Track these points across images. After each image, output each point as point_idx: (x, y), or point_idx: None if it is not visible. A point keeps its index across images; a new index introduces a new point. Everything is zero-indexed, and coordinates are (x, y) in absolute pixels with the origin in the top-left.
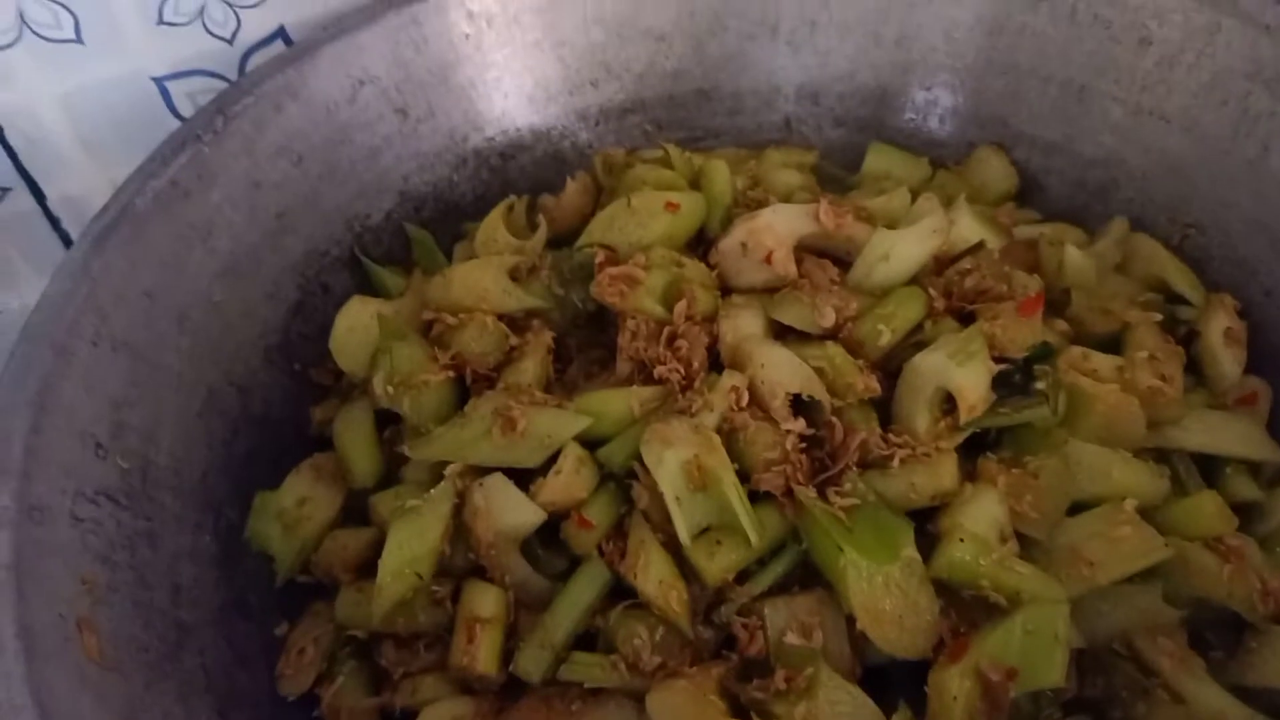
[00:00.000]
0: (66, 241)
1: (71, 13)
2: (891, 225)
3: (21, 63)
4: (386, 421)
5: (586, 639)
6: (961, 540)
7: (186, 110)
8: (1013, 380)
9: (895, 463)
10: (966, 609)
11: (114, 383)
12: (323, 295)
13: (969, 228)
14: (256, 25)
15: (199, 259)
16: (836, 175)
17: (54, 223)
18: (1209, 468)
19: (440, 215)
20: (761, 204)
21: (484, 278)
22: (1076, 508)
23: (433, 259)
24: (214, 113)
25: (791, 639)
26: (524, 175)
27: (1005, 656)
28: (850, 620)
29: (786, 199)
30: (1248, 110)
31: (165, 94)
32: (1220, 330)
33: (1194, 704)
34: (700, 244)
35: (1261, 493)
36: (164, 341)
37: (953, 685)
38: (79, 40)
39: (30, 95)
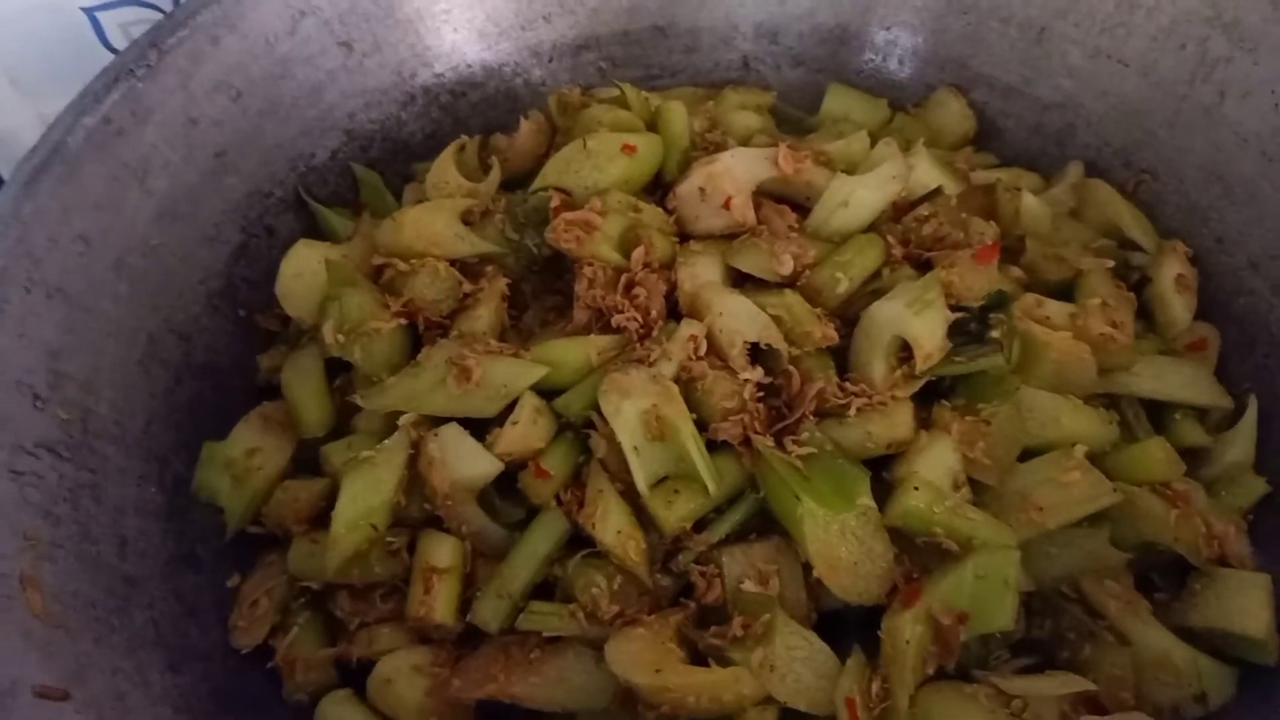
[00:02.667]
0: None
1: None
2: (850, 170)
3: None
4: (336, 370)
5: (544, 588)
6: (916, 489)
7: (119, 42)
8: (968, 328)
9: (852, 411)
10: (920, 555)
11: (49, 331)
12: (267, 238)
13: (927, 173)
14: None
15: (135, 201)
16: (794, 116)
17: None
18: (1158, 413)
19: (388, 155)
20: (720, 147)
21: (435, 222)
22: (1028, 454)
23: (381, 200)
24: (147, 46)
25: (749, 586)
26: (475, 113)
27: (957, 601)
28: (806, 567)
29: (745, 142)
30: (1206, 55)
31: (96, 24)
32: (1172, 277)
33: (1139, 645)
34: (657, 188)
35: (1209, 438)
36: (101, 287)
37: (905, 630)
38: None
39: None
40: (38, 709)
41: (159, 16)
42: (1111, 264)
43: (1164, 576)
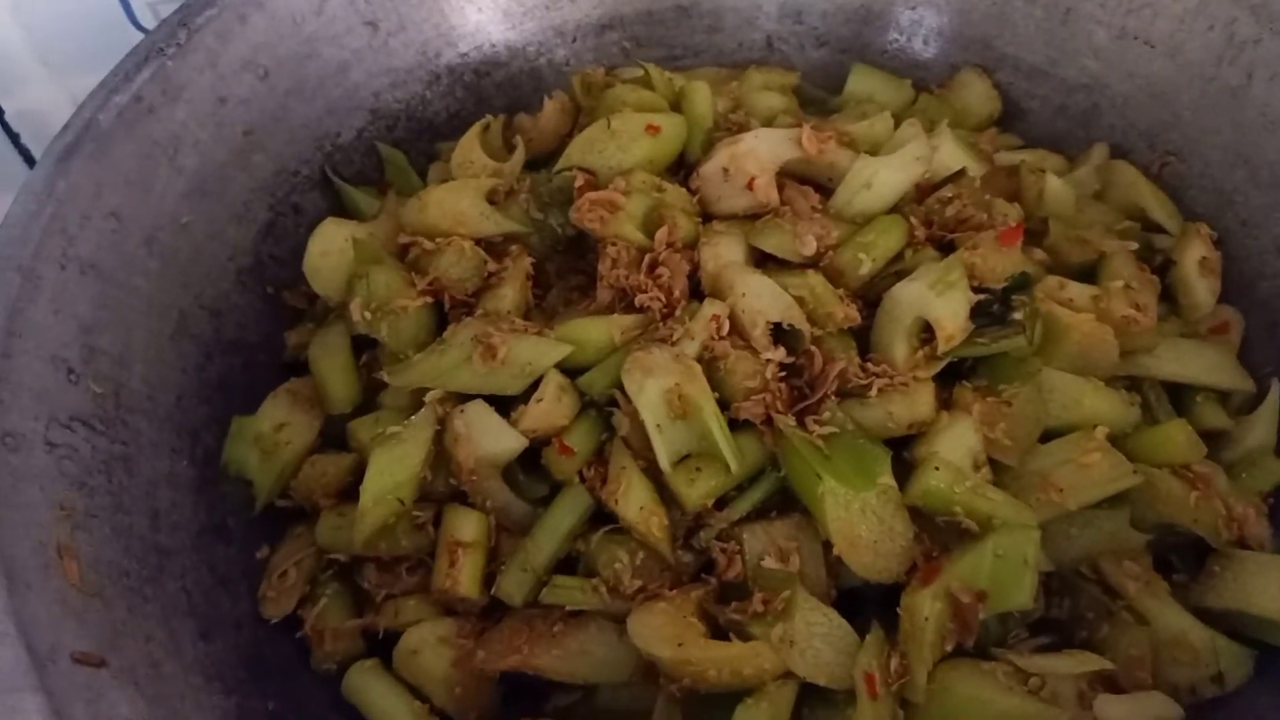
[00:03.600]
0: (26, 156)
1: None
2: (874, 151)
3: None
4: (362, 346)
5: (567, 563)
6: (937, 468)
7: (147, 20)
8: (991, 310)
9: (873, 392)
10: (939, 534)
11: (83, 306)
12: (294, 216)
13: (951, 155)
14: None
15: (165, 178)
16: (818, 97)
17: (13, 138)
18: (1180, 395)
19: (413, 134)
20: (743, 128)
21: (461, 201)
22: (1048, 435)
23: (406, 179)
24: (176, 25)
25: (769, 563)
26: (499, 93)
27: (976, 580)
28: (826, 545)
29: (768, 123)
30: (1233, 36)
31: (125, 3)
32: (1196, 260)
33: (1157, 625)
34: (680, 168)
35: (1230, 421)
36: (132, 263)
37: (924, 607)
38: None
39: None
40: (76, 674)
41: None
42: (1135, 246)
43: (1183, 558)
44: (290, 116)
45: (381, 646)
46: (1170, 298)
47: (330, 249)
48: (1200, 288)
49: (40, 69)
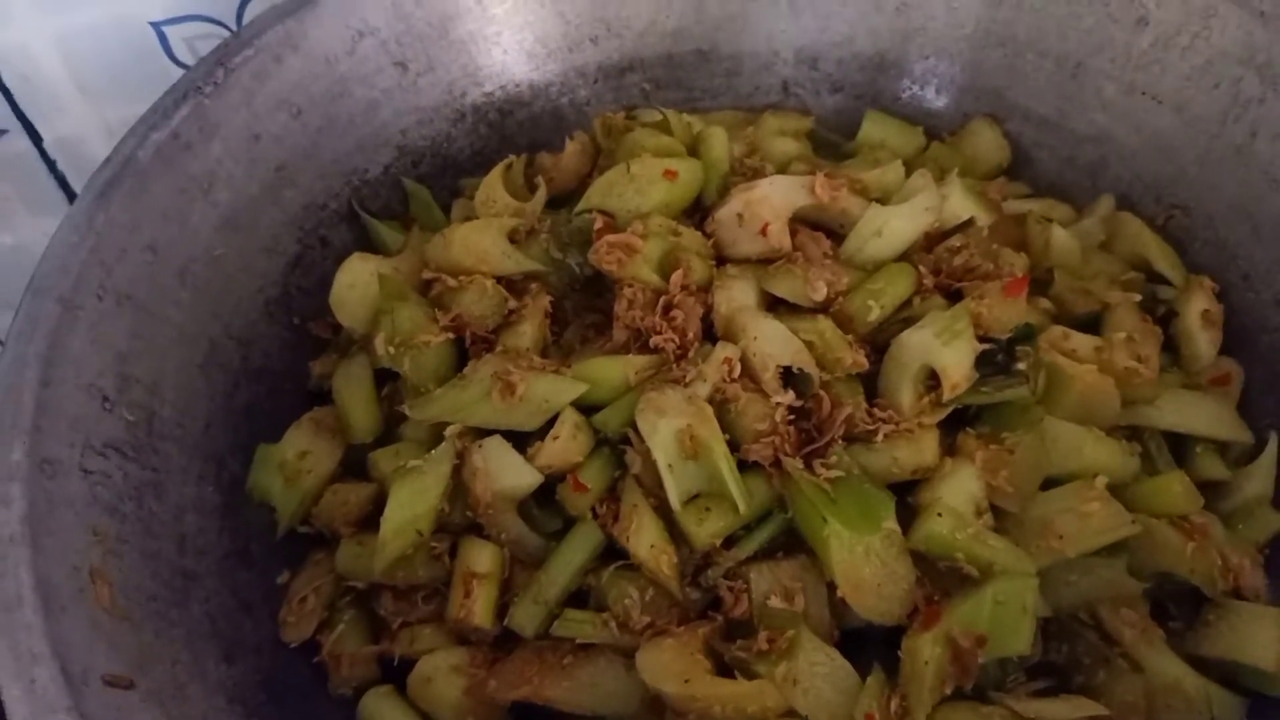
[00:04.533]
0: (62, 182)
1: None
2: (885, 199)
3: (17, 2)
4: (385, 377)
5: (579, 596)
6: (940, 515)
7: (184, 55)
8: (995, 360)
9: (879, 437)
10: (941, 578)
11: (119, 336)
12: (321, 249)
13: (960, 204)
14: None
15: (200, 212)
16: (832, 141)
17: (50, 165)
18: (1180, 445)
19: (438, 170)
20: (759, 173)
21: (484, 239)
22: (1050, 483)
23: (430, 214)
24: (214, 64)
25: (775, 602)
26: (522, 131)
27: (976, 625)
28: (831, 586)
29: (783, 168)
30: (1239, 95)
31: (163, 38)
32: (1198, 312)
33: (1152, 672)
34: (696, 211)
35: (1228, 472)
36: (166, 294)
37: (925, 650)
38: None
39: (26, 35)
40: (107, 696)
41: (222, 31)
42: (1139, 298)
43: (1179, 606)
44: (320, 153)
45: (396, 673)
46: (1172, 348)
47: (356, 282)
48: (1202, 340)
49: (78, 97)
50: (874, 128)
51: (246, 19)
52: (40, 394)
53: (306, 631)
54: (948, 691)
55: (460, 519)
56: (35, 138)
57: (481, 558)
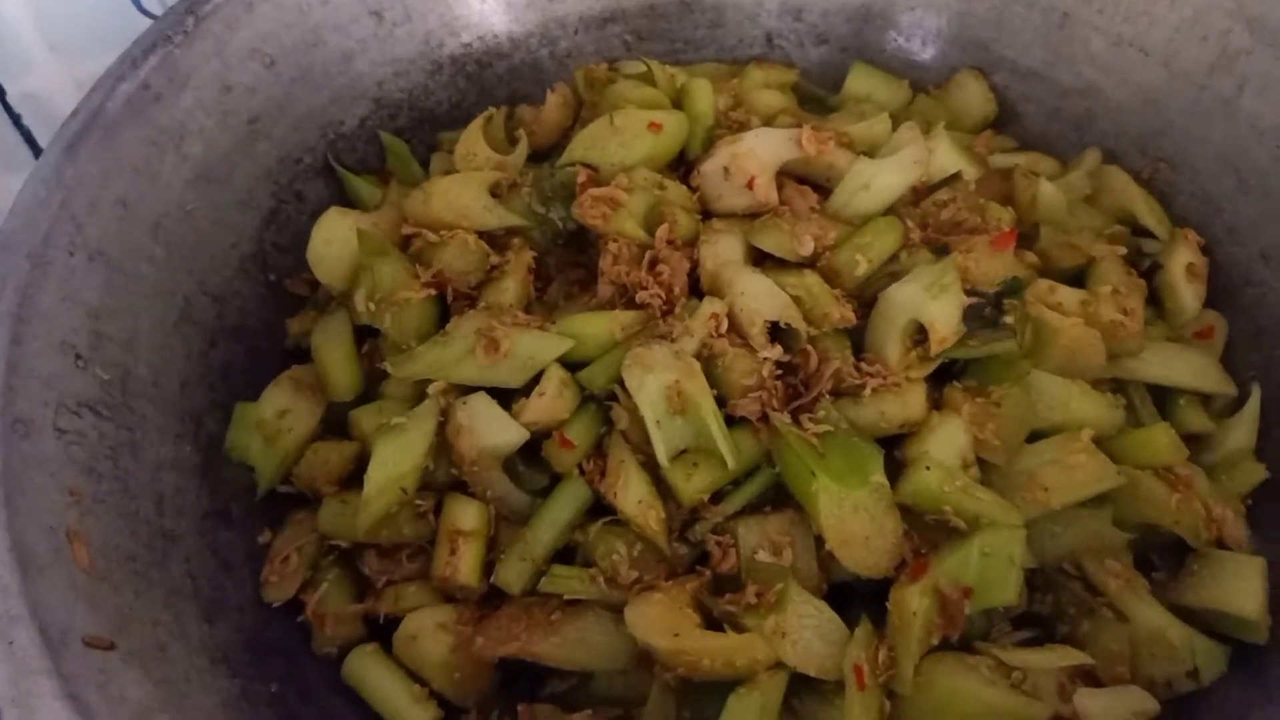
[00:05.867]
0: (28, 138)
1: None
2: (872, 152)
3: None
4: (364, 334)
5: (565, 553)
6: (927, 468)
7: (153, 6)
8: (983, 313)
9: (867, 391)
10: (928, 531)
11: (91, 292)
12: (297, 204)
13: (947, 158)
14: None
15: (171, 165)
16: (817, 95)
17: (15, 119)
18: (1164, 398)
19: (415, 123)
20: (743, 126)
21: (464, 194)
22: (1036, 435)
23: (408, 168)
24: (184, 12)
25: (763, 556)
26: (501, 84)
27: (963, 576)
28: (819, 540)
29: (769, 121)
30: (1227, 47)
31: None
32: (1183, 265)
33: (1136, 622)
34: (681, 164)
35: (1212, 424)
36: (139, 250)
37: (912, 602)
38: None
39: None
40: (88, 657)
41: None
42: (1124, 251)
43: (1163, 557)
44: (295, 105)
45: (382, 631)
46: (1157, 302)
47: (334, 238)
48: (1186, 293)
49: (46, 52)
50: (859, 80)
51: None
52: (11, 352)
53: (289, 591)
54: (935, 642)
55: (445, 477)
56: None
57: (467, 515)
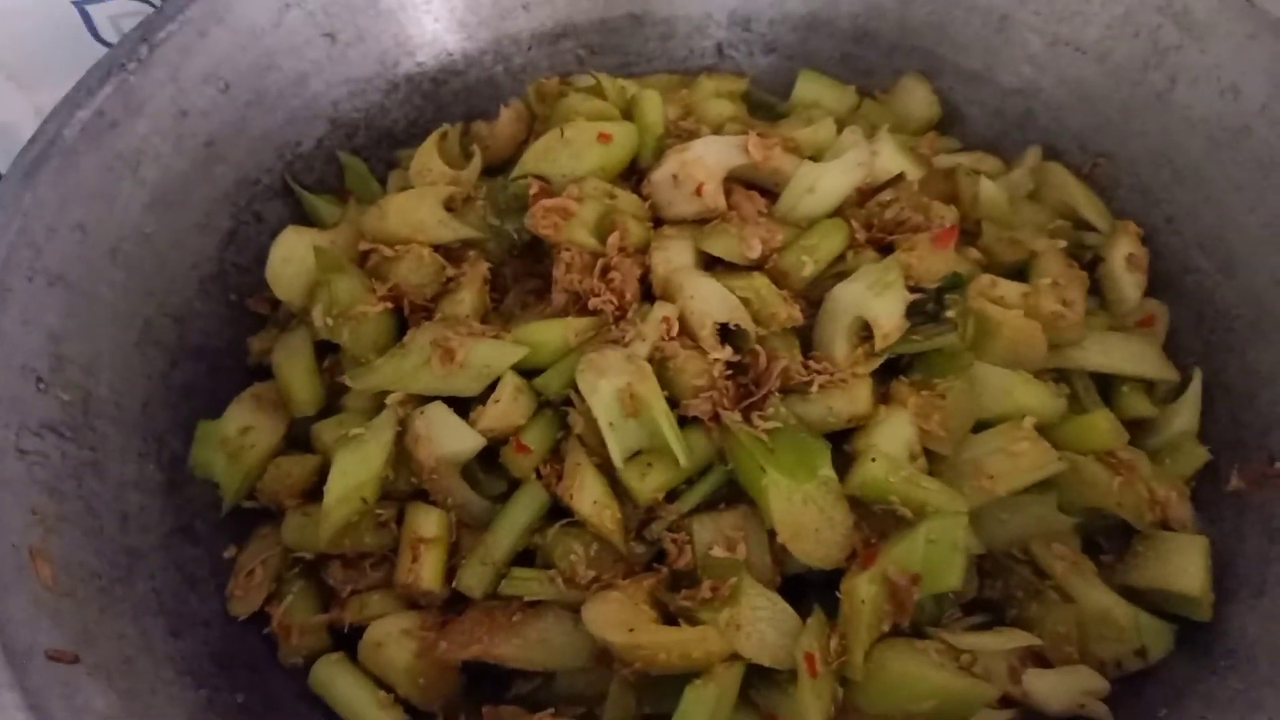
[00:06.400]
0: None
1: None
2: (817, 156)
3: None
4: (325, 350)
5: (525, 556)
6: (874, 460)
7: (110, 35)
8: (925, 309)
9: (815, 388)
10: (877, 521)
11: (51, 316)
12: (256, 224)
13: (891, 159)
14: None
15: (129, 190)
16: (767, 102)
17: None
18: (1107, 385)
19: (373, 142)
20: (693, 134)
21: (419, 209)
22: (981, 426)
23: (367, 187)
24: (138, 40)
25: (717, 552)
26: (457, 100)
27: (910, 564)
28: (771, 534)
29: (718, 129)
30: (1157, 43)
31: (87, 17)
32: (1123, 256)
33: (1083, 603)
34: (633, 174)
35: (1154, 409)
36: (98, 274)
37: (861, 590)
38: None
39: None
40: (51, 670)
41: (147, 9)
42: (1064, 245)
43: (1110, 540)
44: (251, 127)
45: (347, 640)
46: (1100, 292)
47: (292, 256)
48: (1127, 283)
49: (6, 84)
50: (807, 87)
51: None
52: None
53: (254, 604)
54: (886, 629)
55: (405, 485)
56: None
57: (428, 522)
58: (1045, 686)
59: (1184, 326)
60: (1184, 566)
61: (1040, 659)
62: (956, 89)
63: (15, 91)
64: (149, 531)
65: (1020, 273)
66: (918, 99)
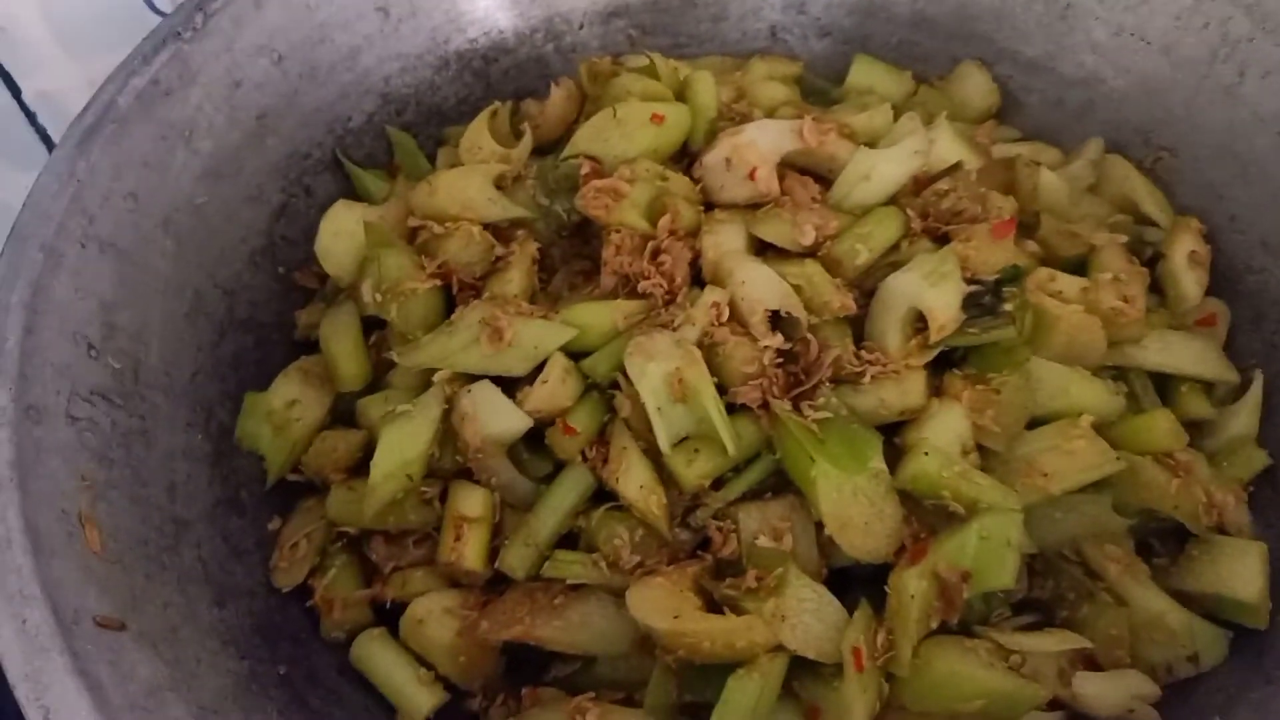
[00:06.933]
0: (43, 136)
1: None
2: (873, 143)
3: None
4: (372, 326)
5: (569, 538)
6: (926, 454)
7: (164, 4)
8: (982, 301)
9: (867, 379)
10: (927, 516)
11: (103, 284)
12: (305, 198)
13: (948, 148)
14: None
15: (181, 160)
16: (821, 87)
17: (30, 117)
18: (1165, 385)
19: (422, 119)
20: (746, 118)
21: (469, 186)
22: (1036, 422)
23: (415, 163)
24: (194, 9)
25: (763, 541)
26: (507, 79)
27: (961, 560)
28: (819, 525)
29: (771, 113)
30: (1227, 35)
31: None
32: (1185, 253)
33: (1135, 606)
34: (684, 156)
35: (1213, 410)
36: (150, 243)
37: (910, 585)
38: None
39: None
40: (99, 636)
41: None
42: (1125, 239)
43: (1164, 542)
44: (303, 100)
45: (388, 616)
46: (1160, 290)
47: (341, 231)
48: (1188, 280)
49: (58, 50)
50: (862, 73)
51: None
52: (25, 341)
53: (298, 577)
54: (934, 626)
55: (450, 464)
56: (14, 90)
57: (472, 502)
58: (1095, 689)
59: (1244, 327)
60: (1240, 572)
61: (1090, 661)
62: (1016, 77)
63: (69, 61)
64: (196, 501)
65: (1079, 267)
66: (976, 87)
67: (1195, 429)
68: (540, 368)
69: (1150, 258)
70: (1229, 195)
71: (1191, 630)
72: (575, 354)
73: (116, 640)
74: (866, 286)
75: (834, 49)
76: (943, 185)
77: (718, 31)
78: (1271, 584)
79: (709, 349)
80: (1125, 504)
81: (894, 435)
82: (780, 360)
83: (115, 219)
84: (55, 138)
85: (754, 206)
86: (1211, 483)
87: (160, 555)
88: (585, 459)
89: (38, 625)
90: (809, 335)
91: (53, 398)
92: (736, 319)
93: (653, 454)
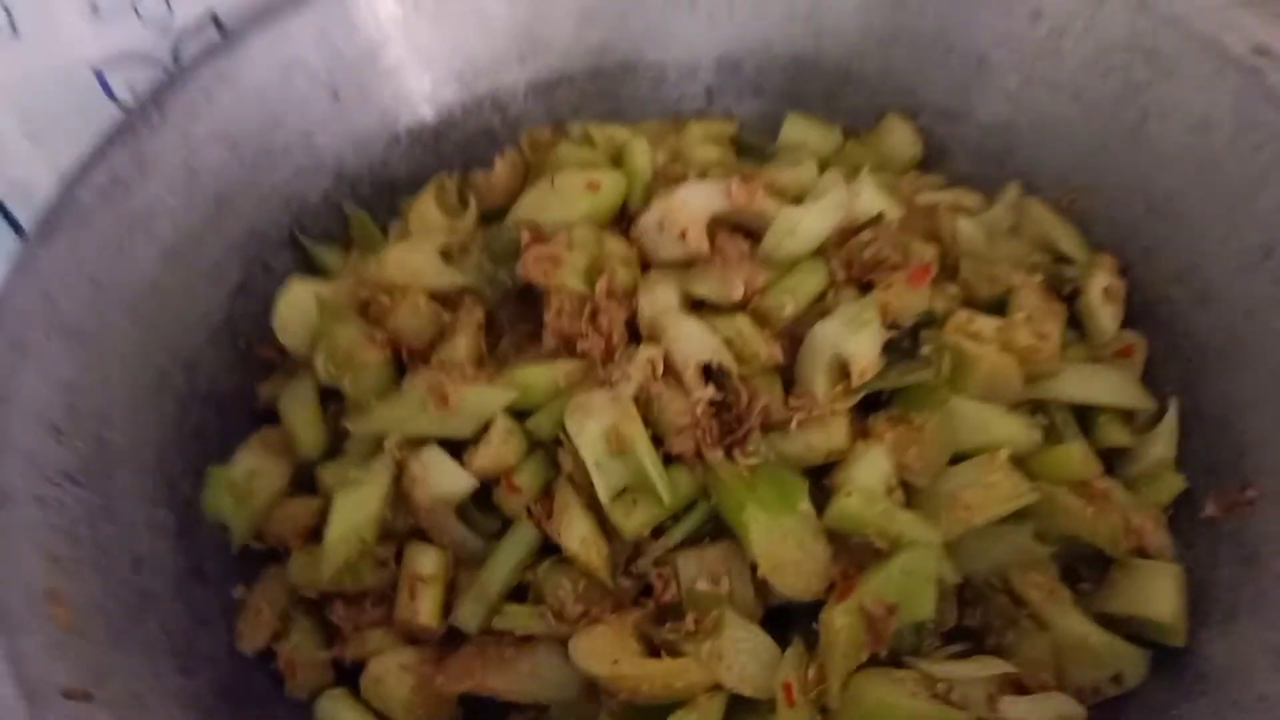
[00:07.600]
0: (12, 222)
1: (4, 7)
2: (800, 198)
3: None
4: (329, 395)
5: (518, 591)
6: (849, 494)
7: (120, 90)
8: (901, 345)
9: (794, 425)
10: (855, 553)
11: (67, 369)
12: (264, 274)
13: (871, 200)
14: (188, 11)
15: (142, 245)
16: (756, 145)
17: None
18: (1087, 415)
19: (376, 193)
20: (681, 179)
21: (416, 257)
22: (960, 458)
23: (370, 236)
24: (149, 104)
25: (701, 586)
26: (457, 150)
27: (886, 594)
28: (753, 567)
29: (704, 174)
30: (1129, 80)
31: (104, 82)
32: (1100, 288)
33: (1059, 631)
34: (624, 218)
35: (1132, 438)
36: (112, 326)
37: (838, 620)
38: (14, 32)
39: None
40: (66, 708)
41: (159, 73)
42: (1040, 279)
43: (1091, 568)
44: (259, 182)
45: (349, 675)
46: (1079, 324)
47: (297, 305)
48: (1104, 314)
49: (25, 144)
50: (794, 129)
51: (185, 54)
52: None
53: (261, 641)
54: (864, 658)
55: (404, 525)
56: None
57: (425, 561)
58: (1021, 713)
59: (1161, 356)
60: (1157, 594)
61: (1018, 686)
62: (938, 127)
63: (34, 151)
64: (161, 573)
65: (1000, 307)
66: (900, 138)
67: (1116, 456)
68: (486, 429)
69: (1070, 294)
70: (1142, 231)
71: (1114, 651)
72: (522, 413)
73: (84, 711)
74: (796, 335)
75: (767, 107)
76: (866, 236)
77: (657, 95)
78: (1189, 602)
79: (645, 403)
80: (1046, 532)
81: (824, 477)
82: (713, 410)
83: (78, 306)
84: (24, 224)
85: (687, 265)
86: (1130, 508)
87: (126, 627)
88: (531, 514)
89: (5, 699)
90: (740, 385)
91: (20, 481)
92: (671, 373)
93: (594, 507)
